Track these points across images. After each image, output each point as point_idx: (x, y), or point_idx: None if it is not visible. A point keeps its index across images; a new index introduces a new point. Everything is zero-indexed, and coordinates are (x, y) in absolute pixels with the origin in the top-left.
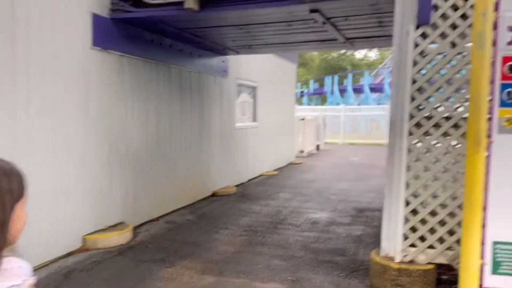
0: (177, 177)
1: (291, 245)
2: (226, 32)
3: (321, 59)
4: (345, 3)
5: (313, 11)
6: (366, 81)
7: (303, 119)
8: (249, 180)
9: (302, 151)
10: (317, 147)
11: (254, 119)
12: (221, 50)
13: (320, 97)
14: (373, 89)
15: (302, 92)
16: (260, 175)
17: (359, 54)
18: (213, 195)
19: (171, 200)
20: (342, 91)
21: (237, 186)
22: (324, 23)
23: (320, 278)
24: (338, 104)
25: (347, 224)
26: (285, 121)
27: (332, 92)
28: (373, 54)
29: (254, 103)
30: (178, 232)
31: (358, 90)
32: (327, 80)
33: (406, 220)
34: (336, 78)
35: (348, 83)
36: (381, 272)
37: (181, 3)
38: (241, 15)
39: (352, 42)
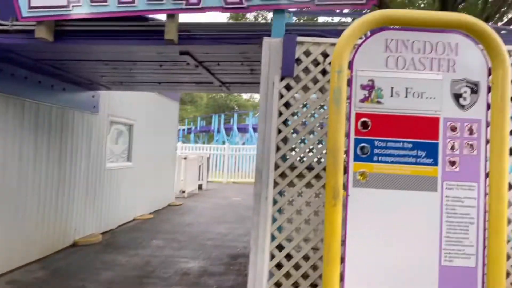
0: (25, 227)
1: None
2: (92, 66)
3: (209, 98)
4: (216, 49)
5: (183, 53)
6: (250, 121)
7: (185, 158)
8: (120, 225)
9: (183, 192)
10: (200, 187)
11: (129, 159)
12: (89, 84)
13: (207, 134)
14: (257, 129)
15: (189, 129)
16: (134, 220)
17: (246, 95)
18: (74, 245)
19: (16, 254)
20: (229, 130)
21: (104, 233)
22: (197, 66)
23: None
24: (224, 142)
25: (219, 274)
26: (165, 160)
27: (218, 130)
28: (258, 95)
29: (130, 142)
30: None
31: (243, 130)
32: (214, 119)
33: (271, 274)
34: (222, 117)
35: (234, 122)
36: None
37: (31, 32)
38: (105, 50)
39: (228, 86)
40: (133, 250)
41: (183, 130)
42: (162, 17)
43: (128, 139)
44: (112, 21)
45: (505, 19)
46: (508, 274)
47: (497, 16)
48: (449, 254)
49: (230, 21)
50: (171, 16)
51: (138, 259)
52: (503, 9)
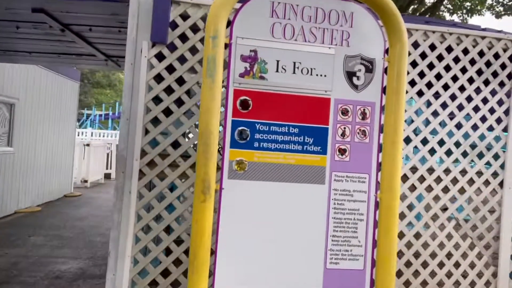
0: None
1: None
2: None
3: None
4: (76, 6)
5: (36, 10)
6: None
7: (87, 144)
8: None
9: (85, 181)
10: (108, 176)
11: (9, 143)
12: None
13: None
14: None
15: (107, 114)
16: (15, 213)
17: None
18: None
19: None
20: None
21: None
22: (63, 30)
23: None
24: None
25: (99, 276)
26: (61, 146)
27: None
28: None
29: (11, 124)
30: None
31: None
32: None
33: (133, 283)
34: None
35: None
36: None
37: None
38: None
39: (116, 61)
40: (1, 249)
41: (100, 115)
42: None
43: (8, 120)
44: None
45: (417, 14)
46: (400, 274)
47: (409, 11)
48: (335, 256)
49: None
50: None
51: (3, 261)
52: (415, 6)
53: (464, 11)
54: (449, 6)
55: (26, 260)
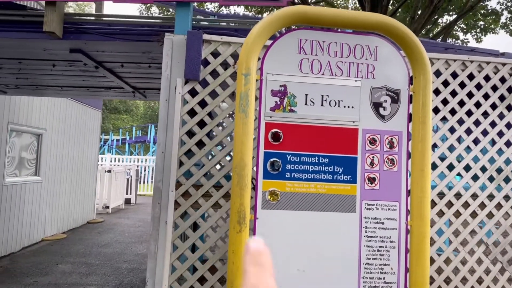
0: None
1: None
2: None
3: (146, 107)
4: (112, 46)
5: (74, 50)
6: None
7: (109, 171)
8: (24, 248)
9: (107, 207)
10: (128, 201)
11: (37, 173)
12: None
13: (143, 145)
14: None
15: (124, 139)
16: (42, 240)
17: None
18: None
19: None
20: None
21: (2, 258)
22: (97, 67)
23: None
24: None
25: None
26: (84, 173)
27: (155, 141)
28: None
29: (38, 154)
30: None
31: None
32: (151, 128)
33: None
34: None
35: None
36: None
37: None
38: None
39: (142, 92)
40: (31, 277)
41: (117, 140)
42: None
43: (36, 150)
44: None
45: (431, 35)
46: None
47: (422, 31)
48: (368, 283)
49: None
50: (51, 3)
51: None
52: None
53: (478, 29)
54: (462, 25)
55: None
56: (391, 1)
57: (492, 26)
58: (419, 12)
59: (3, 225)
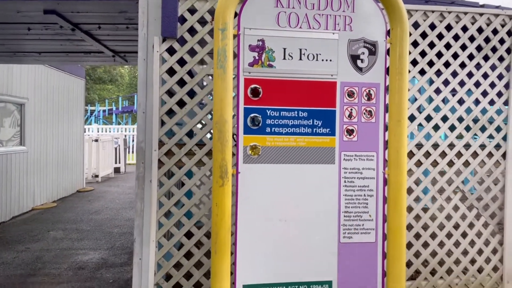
0: None
1: None
2: None
3: (132, 76)
4: (86, 6)
5: (48, 11)
6: None
7: (96, 140)
8: (14, 217)
9: (96, 176)
10: (117, 170)
11: (22, 143)
12: None
13: (130, 115)
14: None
15: (111, 110)
16: (32, 209)
17: None
18: None
19: None
20: None
21: None
22: (73, 29)
23: None
24: None
25: (120, 265)
26: (71, 143)
27: None
28: None
29: (22, 124)
30: None
31: None
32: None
33: (159, 266)
34: None
35: None
36: None
37: None
38: None
39: (123, 56)
40: (23, 244)
41: (104, 111)
42: None
43: (19, 120)
44: None
45: None
46: (410, 246)
47: None
48: (348, 230)
49: None
50: None
51: (27, 255)
52: None
53: None
54: None
55: (49, 254)
56: None
57: None
58: None
59: None
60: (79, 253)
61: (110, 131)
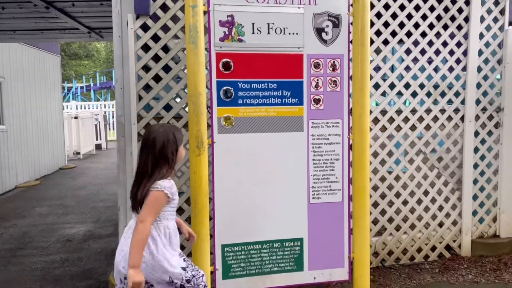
0: None
1: (26, 278)
2: None
3: (108, 51)
4: None
5: None
6: None
7: (75, 117)
8: None
9: (78, 153)
10: (98, 147)
11: (1, 122)
12: None
13: (109, 91)
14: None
15: (88, 86)
16: (16, 188)
17: None
18: None
19: None
20: None
21: None
22: (47, 7)
23: None
24: None
25: (106, 236)
26: (50, 121)
27: None
28: None
29: (0, 102)
30: None
31: None
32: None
33: None
34: None
35: None
36: None
37: None
38: None
39: (98, 32)
40: (9, 221)
41: (81, 87)
42: None
43: None
44: None
45: None
46: (376, 205)
47: None
48: (316, 192)
49: None
50: None
51: (14, 231)
52: None
53: None
54: None
55: (36, 228)
56: None
57: None
58: None
59: None
60: (65, 227)
61: (89, 108)
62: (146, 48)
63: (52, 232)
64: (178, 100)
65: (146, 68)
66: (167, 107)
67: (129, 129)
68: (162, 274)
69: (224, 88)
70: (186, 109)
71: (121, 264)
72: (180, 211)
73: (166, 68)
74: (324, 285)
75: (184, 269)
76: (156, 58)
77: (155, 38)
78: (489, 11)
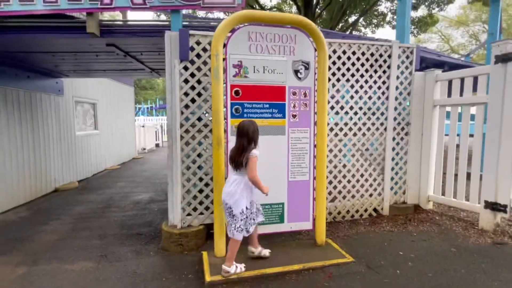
0: (7, 180)
1: (111, 225)
2: (43, 57)
3: (164, 84)
4: (133, 41)
5: (109, 45)
6: None
7: (143, 126)
8: (94, 174)
9: (144, 149)
10: (157, 145)
11: (96, 128)
12: (50, 72)
13: (164, 110)
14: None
15: (151, 107)
16: (105, 170)
17: None
18: (56, 190)
19: (4, 200)
20: None
21: (81, 181)
22: (125, 55)
23: (125, 249)
24: None
25: (161, 201)
26: (126, 128)
27: None
28: None
29: (95, 116)
30: (4, 231)
31: None
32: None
33: (183, 198)
34: None
35: None
36: (167, 237)
37: None
38: (46, 43)
39: (157, 71)
40: (101, 190)
41: (147, 108)
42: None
43: (93, 113)
44: (42, 18)
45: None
46: (330, 182)
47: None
48: (292, 174)
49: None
50: (90, 14)
51: (104, 196)
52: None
53: (373, 25)
54: (363, 22)
55: (117, 195)
56: (319, 6)
57: (381, 22)
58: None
59: (79, 160)
60: (135, 194)
61: (152, 121)
62: (186, 81)
63: (127, 198)
64: (206, 114)
65: (186, 94)
66: (199, 119)
67: (175, 132)
68: (239, 203)
69: (235, 106)
70: (211, 119)
71: (225, 200)
72: (207, 186)
73: (199, 94)
74: (296, 232)
75: (246, 208)
76: (192, 88)
77: (192, 75)
78: (402, 62)
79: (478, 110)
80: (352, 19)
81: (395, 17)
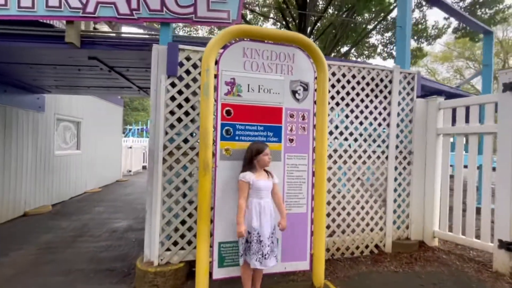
0: None
1: (80, 258)
2: (19, 69)
3: None
4: (118, 54)
5: (91, 58)
6: None
7: (130, 147)
8: (71, 197)
9: (130, 171)
10: (144, 167)
11: (78, 148)
12: (31, 88)
13: None
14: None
15: (142, 128)
16: (85, 192)
17: None
18: (25, 215)
19: None
20: None
21: (55, 204)
22: (110, 71)
23: None
24: None
25: (140, 229)
26: (112, 149)
27: None
28: None
29: (78, 135)
30: None
31: None
32: None
33: (163, 230)
34: None
35: None
36: (141, 277)
37: None
38: (19, 53)
39: (145, 90)
40: (76, 216)
41: (138, 129)
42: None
43: (76, 132)
44: (19, 25)
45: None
46: (329, 214)
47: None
48: (288, 205)
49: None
50: (70, 22)
51: (78, 223)
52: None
53: (364, 56)
54: (355, 53)
55: (93, 222)
56: (312, 36)
57: (372, 54)
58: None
59: (56, 181)
60: (113, 221)
61: (141, 142)
62: (172, 99)
63: (103, 225)
64: (194, 136)
65: (172, 113)
66: (185, 140)
67: (157, 154)
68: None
69: (226, 128)
70: (198, 141)
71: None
72: (190, 216)
73: (186, 113)
74: (291, 273)
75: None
76: (179, 106)
77: (180, 92)
78: (404, 88)
79: (487, 140)
80: (344, 49)
81: (385, 49)
